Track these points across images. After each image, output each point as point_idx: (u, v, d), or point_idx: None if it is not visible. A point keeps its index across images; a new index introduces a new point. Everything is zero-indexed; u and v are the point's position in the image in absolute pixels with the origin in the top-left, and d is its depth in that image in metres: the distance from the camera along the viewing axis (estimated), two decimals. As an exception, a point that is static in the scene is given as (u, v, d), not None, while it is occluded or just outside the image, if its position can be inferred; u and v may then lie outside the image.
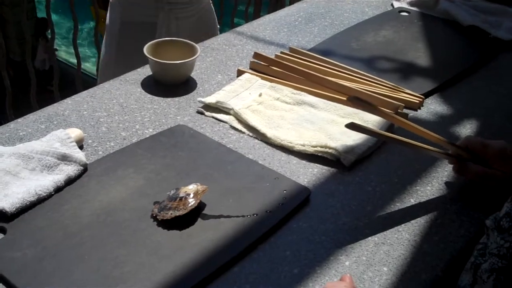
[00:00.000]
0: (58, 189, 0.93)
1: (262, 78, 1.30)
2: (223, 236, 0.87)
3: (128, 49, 1.66)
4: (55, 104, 1.18)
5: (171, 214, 0.88)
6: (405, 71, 1.40)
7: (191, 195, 0.90)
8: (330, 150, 1.06)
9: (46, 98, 2.42)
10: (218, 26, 1.87)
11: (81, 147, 1.04)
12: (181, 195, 0.91)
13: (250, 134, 1.13)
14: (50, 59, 5.31)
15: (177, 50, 1.30)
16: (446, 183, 1.04)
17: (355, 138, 1.09)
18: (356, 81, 1.30)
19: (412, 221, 0.95)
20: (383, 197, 1.00)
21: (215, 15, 1.84)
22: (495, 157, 0.97)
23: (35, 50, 5.81)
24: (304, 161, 1.07)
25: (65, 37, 7.05)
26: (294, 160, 1.07)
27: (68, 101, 1.19)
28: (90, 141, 1.08)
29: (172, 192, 0.92)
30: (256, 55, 1.37)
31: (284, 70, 1.32)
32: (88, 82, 3.09)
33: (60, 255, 0.82)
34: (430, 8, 1.74)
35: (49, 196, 0.92)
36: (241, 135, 1.13)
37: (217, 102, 1.19)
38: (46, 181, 0.93)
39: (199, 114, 1.18)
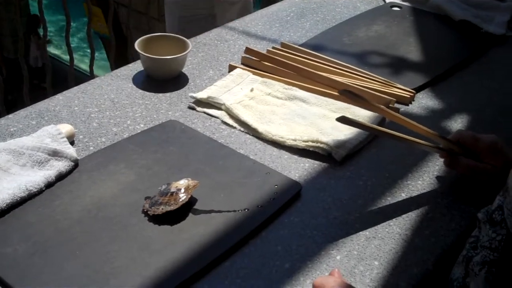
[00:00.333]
0: (49, 185, 0.93)
1: (254, 73, 1.29)
2: (214, 231, 0.87)
3: None
4: (46, 100, 1.18)
5: (162, 209, 0.88)
6: (396, 66, 1.40)
7: (182, 190, 0.90)
8: (321, 145, 1.06)
9: (40, 95, 2.41)
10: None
11: (72, 143, 1.04)
12: (172, 190, 0.90)
13: (242, 129, 1.13)
14: (42, 56, 5.30)
15: (169, 45, 1.30)
16: (437, 177, 1.05)
17: (346, 132, 1.09)
18: (348, 76, 1.30)
19: (403, 215, 0.96)
20: (374, 191, 1.00)
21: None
22: (486, 151, 0.98)
23: (28, 47, 5.79)
24: (295, 156, 1.07)
25: (59, 34, 7.04)
26: (286, 155, 1.07)
27: (59, 96, 1.19)
28: (81, 136, 1.08)
29: (163, 187, 0.92)
30: (248, 50, 1.36)
31: (275, 65, 1.32)
32: (81, 79, 3.08)
33: (51, 250, 0.82)
34: (422, 2, 1.74)
35: (40, 191, 0.92)
36: (233, 130, 1.13)
37: (209, 97, 1.18)
38: (37, 177, 0.92)
39: (190, 110, 1.18)
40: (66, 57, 2.93)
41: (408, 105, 1.26)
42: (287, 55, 1.36)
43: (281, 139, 1.09)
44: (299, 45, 1.44)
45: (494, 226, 0.77)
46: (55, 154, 0.96)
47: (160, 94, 1.22)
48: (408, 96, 1.26)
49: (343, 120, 0.90)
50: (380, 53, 1.46)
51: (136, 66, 1.32)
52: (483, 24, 1.60)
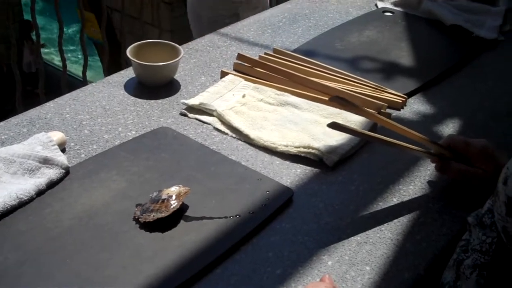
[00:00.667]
0: (40, 193, 0.93)
1: (246, 79, 1.30)
2: (205, 238, 0.87)
3: None
4: (37, 107, 1.18)
5: (153, 216, 0.88)
6: (388, 71, 1.40)
7: (174, 197, 0.90)
8: (313, 151, 1.06)
9: (34, 102, 2.41)
10: None
11: (63, 150, 1.04)
12: (163, 197, 0.90)
13: (234, 135, 1.13)
14: (35, 61, 5.30)
15: (161, 52, 1.30)
16: (429, 182, 1.05)
17: (338, 138, 1.09)
18: (340, 82, 1.30)
19: (395, 220, 0.96)
20: (366, 196, 1.01)
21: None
22: (477, 156, 0.98)
23: (21, 53, 5.79)
24: (287, 162, 1.07)
25: (53, 40, 7.04)
26: (277, 160, 1.07)
27: (50, 104, 1.19)
28: (72, 144, 1.07)
29: (155, 194, 0.92)
30: (240, 57, 1.37)
31: (267, 71, 1.32)
32: (76, 84, 3.08)
33: (41, 259, 0.82)
34: (413, 8, 1.74)
35: (30, 199, 0.91)
36: (225, 136, 1.13)
37: (201, 103, 1.18)
38: (27, 185, 0.92)
39: (182, 116, 1.18)
40: (60, 63, 2.93)
41: (400, 110, 1.26)
42: (279, 61, 1.36)
43: (272, 145, 1.09)
44: (292, 51, 1.44)
45: (484, 229, 0.78)
46: (46, 161, 0.96)
47: (152, 101, 1.22)
48: (400, 101, 1.26)
49: (334, 126, 0.90)
50: (372, 58, 1.46)
51: (128, 73, 1.32)
52: (474, 28, 1.61)
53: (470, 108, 1.29)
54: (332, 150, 1.07)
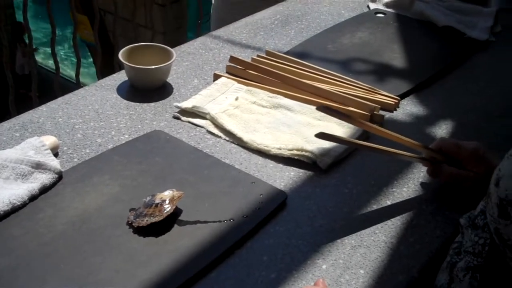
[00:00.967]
0: (33, 198, 0.93)
1: (239, 82, 1.30)
2: (199, 242, 0.87)
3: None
4: (30, 112, 1.17)
5: (147, 220, 0.88)
6: (381, 73, 1.41)
7: (167, 201, 0.90)
8: (306, 153, 1.06)
9: (28, 105, 2.40)
10: None
11: (56, 155, 1.04)
12: (156, 201, 0.90)
13: (227, 138, 1.13)
14: (28, 63, 5.28)
15: (153, 55, 1.30)
16: (422, 184, 1.05)
17: (331, 140, 1.09)
18: (332, 84, 1.30)
19: (389, 223, 0.96)
20: (360, 199, 1.01)
21: None
22: (468, 158, 0.98)
23: (14, 55, 5.77)
24: (280, 165, 1.07)
25: (46, 42, 7.02)
26: (271, 164, 1.07)
27: (43, 108, 1.18)
28: (65, 148, 1.07)
29: (148, 198, 0.92)
30: (232, 59, 1.37)
31: (260, 74, 1.32)
32: (69, 87, 3.07)
33: (34, 264, 0.81)
34: (405, 9, 1.75)
35: (23, 205, 0.91)
36: (218, 139, 1.13)
37: (193, 106, 1.18)
38: (20, 190, 0.92)
39: (175, 119, 1.18)
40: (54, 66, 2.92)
41: (392, 111, 1.26)
42: (272, 63, 1.36)
43: (266, 148, 1.09)
44: (284, 53, 1.44)
45: (477, 230, 0.78)
46: (39, 166, 0.96)
47: (145, 104, 1.22)
48: (393, 103, 1.27)
49: (321, 136, 0.90)
50: (364, 60, 1.46)
51: (121, 76, 1.32)
52: (466, 29, 1.61)
53: (462, 109, 1.29)
54: (325, 152, 1.07)
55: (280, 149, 1.08)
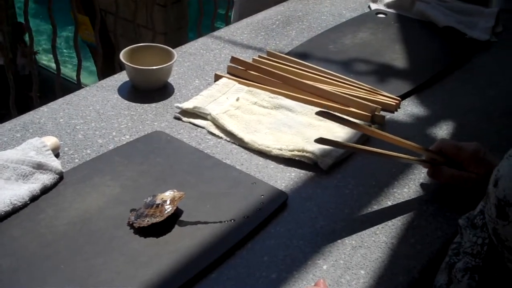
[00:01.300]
0: (34, 198, 0.93)
1: (240, 83, 1.30)
2: (200, 243, 0.87)
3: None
4: (30, 112, 1.17)
5: (147, 221, 0.88)
6: (382, 73, 1.40)
7: (168, 202, 0.90)
8: (307, 154, 1.06)
9: (30, 105, 2.41)
10: None
11: (57, 155, 1.04)
12: (157, 202, 0.90)
13: (228, 139, 1.13)
14: (28, 64, 5.29)
15: (155, 55, 1.30)
16: (423, 184, 1.05)
17: (332, 141, 1.09)
18: (333, 84, 1.30)
19: (389, 224, 0.96)
20: (361, 199, 1.01)
21: None
22: (468, 160, 0.98)
23: (15, 56, 5.77)
24: (281, 166, 1.07)
25: (48, 43, 7.03)
26: (272, 164, 1.07)
27: (44, 108, 1.19)
28: (66, 149, 1.07)
29: (149, 199, 0.92)
30: (233, 60, 1.37)
31: (261, 74, 1.32)
32: (70, 87, 3.08)
33: (35, 265, 0.81)
34: (406, 9, 1.75)
35: (24, 205, 0.91)
36: (219, 140, 1.13)
37: (194, 107, 1.18)
38: (21, 191, 0.92)
39: (176, 120, 1.18)
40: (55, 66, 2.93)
41: (393, 112, 1.26)
42: (273, 63, 1.36)
43: (267, 149, 1.09)
44: (285, 53, 1.44)
45: (475, 229, 0.78)
46: (40, 167, 0.96)
47: (146, 105, 1.22)
48: (394, 103, 1.27)
49: (321, 141, 0.90)
50: (365, 61, 1.46)
51: (122, 77, 1.32)
52: (467, 30, 1.61)
53: (462, 110, 1.29)
54: (326, 153, 1.07)
55: (281, 149, 1.08)
